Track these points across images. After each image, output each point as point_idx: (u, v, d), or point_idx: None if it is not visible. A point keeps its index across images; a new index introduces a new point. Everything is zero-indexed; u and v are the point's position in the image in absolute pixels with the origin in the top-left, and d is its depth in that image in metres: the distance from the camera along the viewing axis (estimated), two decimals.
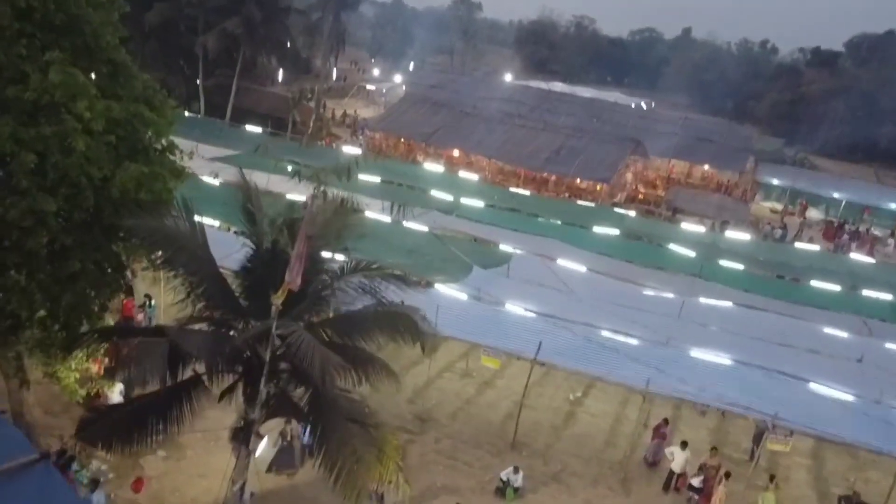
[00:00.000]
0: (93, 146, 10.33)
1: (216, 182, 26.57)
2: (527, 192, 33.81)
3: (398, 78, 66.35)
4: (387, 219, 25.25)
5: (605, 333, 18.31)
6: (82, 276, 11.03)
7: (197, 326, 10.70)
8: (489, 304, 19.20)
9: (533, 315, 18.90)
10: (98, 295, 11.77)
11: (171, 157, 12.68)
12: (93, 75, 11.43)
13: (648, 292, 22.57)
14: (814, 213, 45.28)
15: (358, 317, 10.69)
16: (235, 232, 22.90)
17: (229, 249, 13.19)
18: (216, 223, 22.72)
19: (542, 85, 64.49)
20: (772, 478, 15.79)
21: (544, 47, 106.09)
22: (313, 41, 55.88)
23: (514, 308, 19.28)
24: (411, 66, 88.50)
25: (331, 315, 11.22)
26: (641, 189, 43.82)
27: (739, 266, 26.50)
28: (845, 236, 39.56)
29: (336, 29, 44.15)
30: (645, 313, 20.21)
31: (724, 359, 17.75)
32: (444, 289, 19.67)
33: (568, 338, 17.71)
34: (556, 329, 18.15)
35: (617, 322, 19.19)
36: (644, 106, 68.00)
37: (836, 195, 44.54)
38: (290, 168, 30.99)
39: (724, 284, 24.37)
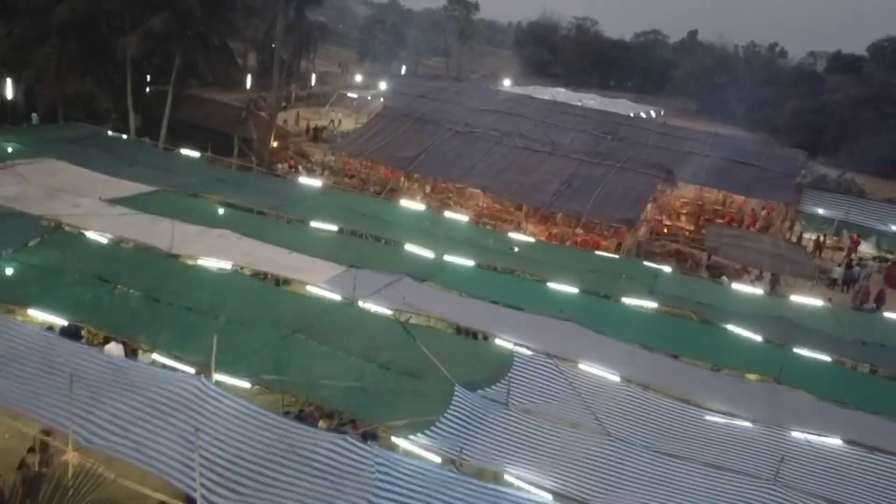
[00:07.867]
0: None
1: (103, 240, 19.19)
2: (531, 239, 26.47)
3: (383, 85, 59.01)
4: (336, 297, 17.88)
5: None
6: None
7: None
8: (478, 482, 11.80)
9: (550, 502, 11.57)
10: None
11: None
12: None
13: (715, 419, 15.27)
14: (863, 248, 38.29)
15: None
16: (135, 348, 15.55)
17: None
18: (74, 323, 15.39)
19: (545, 93, 57.41)
20: None
21: (545, 50, 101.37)
22: (297, 42, 48.76)
23: (519, 482, 11.95)
24: (403, 69, 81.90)
25: None
26: (666, 221, 36.72)
27: (826, 357, 19.26)
28: None
29: (302, 27, 36.70)
30: (721, 477, 12.92)
31: None
32: (405, 444, 12.35)
33: None
34: None
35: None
36: (654, 114, 62.78)
37: (894, 228, 37.49)
38: (220, 211, 23.92)
39: (811, 392, 17.28)
